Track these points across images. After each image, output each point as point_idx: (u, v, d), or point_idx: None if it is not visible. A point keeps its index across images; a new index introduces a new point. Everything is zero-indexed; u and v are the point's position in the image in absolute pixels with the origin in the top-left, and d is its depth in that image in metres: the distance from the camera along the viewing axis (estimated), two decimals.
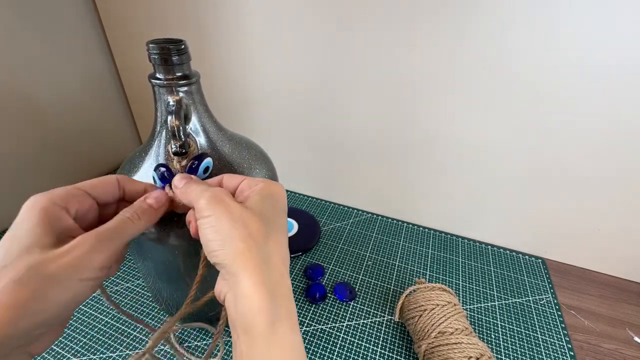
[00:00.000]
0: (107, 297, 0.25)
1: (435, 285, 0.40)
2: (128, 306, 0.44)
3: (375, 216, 0.62)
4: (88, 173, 0.68)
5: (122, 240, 0.20)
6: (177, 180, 0.24)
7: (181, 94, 0.29)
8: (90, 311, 0.43)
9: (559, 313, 0.46)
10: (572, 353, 0.41)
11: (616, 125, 0.42)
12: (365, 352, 0.40)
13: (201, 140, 0.31)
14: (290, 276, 0.49)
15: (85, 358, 0.38)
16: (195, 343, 0.40)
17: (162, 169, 0.27)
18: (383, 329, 0.43)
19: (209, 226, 0.20)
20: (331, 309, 0.45)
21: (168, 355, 0.38)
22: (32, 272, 0.15)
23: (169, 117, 0.27)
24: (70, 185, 0.20)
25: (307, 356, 0.39)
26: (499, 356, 0.40)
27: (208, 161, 0.28)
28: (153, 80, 0.28)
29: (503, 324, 0.44)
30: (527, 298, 0.48)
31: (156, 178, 0.27)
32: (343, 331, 0.42)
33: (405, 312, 0.40)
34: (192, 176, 0.25)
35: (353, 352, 0.40)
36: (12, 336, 0.15)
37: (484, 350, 0.34)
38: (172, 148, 0.27)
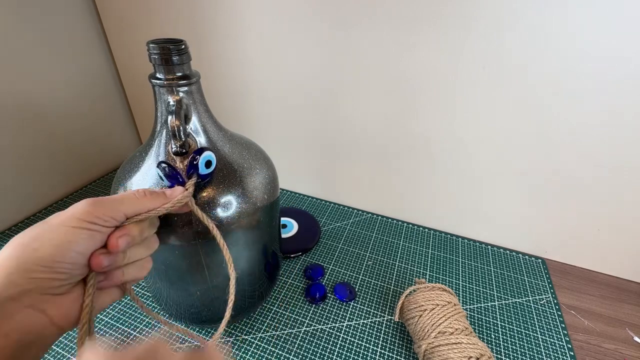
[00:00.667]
0: (133, 297, 0.26)
1: (435, 285, 0.40)
2: (128, 306, 0.44)
3: (375, 216, 0.62)
4: (88, 173, 0.68)
5: (119, 207, 0.21)
6: None
7: (181, 94, 0.29)
8: None
9: (559, 313, 0.46)
10: (572, 353, 0.41)
11: (616, 125, 0.42)
12: (365, 352, 0.40)
13: (201, 140, 0.31)
14: (290, 276, 0.49)
15: None
16: (195, 343, 0.40)
17: (164, 165, 0.27)
18: (383, 329, 0.43)
19: None
20: (331, 309, 0.45)
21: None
22: (37, 225, 0.19)
23: (169, 117, 0.27)
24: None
25: (308, 356, 0.39)
26: (499, 356, 0.40)
27: (208, 154, 0.28)
28: (153, 80, 0.28)
29: (503, 324, 0.44)
30: (527, 298, 0.48)
31: (162, 175, 0.27)
32: (343, 331, 0.42)
33: (405, 312, 0.40)
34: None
35: (353, 352, 0.40)
36: (15, 271, 0.17)
37: (484, 350, 0.34)
38: (172, 148, 0.27)
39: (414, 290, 0.41)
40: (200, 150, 0.28)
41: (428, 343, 0.35)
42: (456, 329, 0.35)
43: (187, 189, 0.26)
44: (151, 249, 0.25)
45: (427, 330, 0.36)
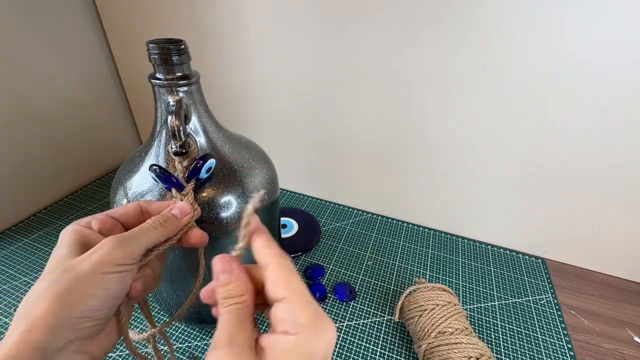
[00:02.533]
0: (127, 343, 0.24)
1: (435, 285, 0.40)
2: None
3: (375, 216, 0.62)
4: (88, 173, 0.68)
5: (141, 242, 0.21)
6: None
7: (181, 94, 0.29)
8: None
9: (559, 313, 0.46)
10: (572, 353, 0.41)
11: (616, 125, 0.42)
12: (365, 352, 0.40)
13: (201, 140, 0.31)
14: None
15: None
16: (195, 343, 0.40)
17: (155, 167, 0.27)
18: (383, 329, 0.43)
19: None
20: (331, 309, 0.45)
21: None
22: (64, 272, 0.18)
23: (169, 117, 0.27)
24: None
25: None
26: (499, 356, 0.40)
27: (212, 162, 0.29)
28: (153, 80, 0.28)
29: (503, 324, 0.44)
30: (527, 298, 0.48)
31: (155, 178, 0.27)
32: (343, 331, 0.42)
33: (405, 312, 0.40)
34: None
35: (353, 352, 0.40)
36: (57, 328, 0.17)
37: (484, 350, 0.34)
38: (172, 148, 0.27)
39: (414, 290, 0.41)
40: (205, 157, 0.28)
41: (428, 343, 0.35)
42: (456, 329, 0.35)
43: (189, 200, 0.26)
44: (163, 261, 0.25)
45: (427, 330, 0.36)
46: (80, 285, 0.18)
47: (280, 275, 0.18)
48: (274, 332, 0.17)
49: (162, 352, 0.28)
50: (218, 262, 0.19)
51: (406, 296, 0.40)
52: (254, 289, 0.19)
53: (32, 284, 0.46)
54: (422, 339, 0.36)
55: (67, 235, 0.21)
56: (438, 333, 0.35)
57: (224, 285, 0.18)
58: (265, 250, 0.19)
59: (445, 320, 0.36)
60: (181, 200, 0.26)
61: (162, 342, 0.41)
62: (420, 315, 0.37)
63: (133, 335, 0.24)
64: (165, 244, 0.23)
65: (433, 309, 0.37)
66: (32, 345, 0.16)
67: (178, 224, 0.24)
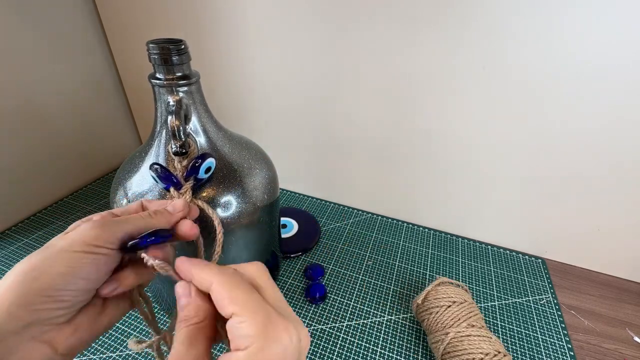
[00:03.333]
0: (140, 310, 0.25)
1: (460, 283, 0.42)
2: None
3: (375, 216, 0.62)
4: (88, 173, 0.68)
5: (122, 227, 0.20)
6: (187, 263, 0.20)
7: (181, 94, 0.29)
8: None
9: (559, 313, 0.46)
10: (572, 353, 0.41)
11: (616, 124, 0.42)
12: (365, 352, 0.40)
13: (201, 140, 0.31)
14: (290, 276, 0.49)
15: (85, 358, 0.38)
16: None
17: (156, 166, 0.27)
18: (383, 329, 0.43)
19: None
20: (331, 309, 0.45)
21: None
22: (40, 251, 0.18)
23: (169, 117, 0.27)
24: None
25: (308, 356, 0.39)
26: None
27: (210, 161, 0.28)
28: (153, 80, 0.28)
29: (503, 324, 0.44)
30: (527, 298, 0.48)
31: (155, 177, 0.27)
32: (343, 331, 0.42)
33: (430, 301, 0.40)
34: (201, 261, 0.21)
35: (353, 352, 0.40)
36: (14, 303, 0.16)
37: (505, 351, 0.35)
38: (172, 148, 0.27)
39: (439, 284, 0.41)
40: (203, 156, 0.28)
41: (457, 331, 0.36)
42: (483, 326, 0.37)
43: (185, 198, 0.26)
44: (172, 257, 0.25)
45: (459, 320, 0.37)
46: (47, 261, 0.17)
47: (222, 291, 0.17)
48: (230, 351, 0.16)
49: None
50: (178, 288, 0.19)
51: (434, 287, 0.41)
52: (214, 312, 0.18)
53: None
54: (450, 327, 0.37)
55: (69, 228, 0.21)
56: (468, 325, 0.36)
57: (182, 309, 0.19)
58: (202, 275, 0.18)
59: (475, 315, 0.37)
60: (178, 198, 0.26)
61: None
62: (450, 305, 0.38)
63: (132, 344, 0.23)
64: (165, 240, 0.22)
65: (462, 302, 0.38)
66: None
67: (169, 217, 0.23)
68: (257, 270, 0.19)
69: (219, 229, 0.27)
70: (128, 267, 0.22)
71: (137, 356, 0.38)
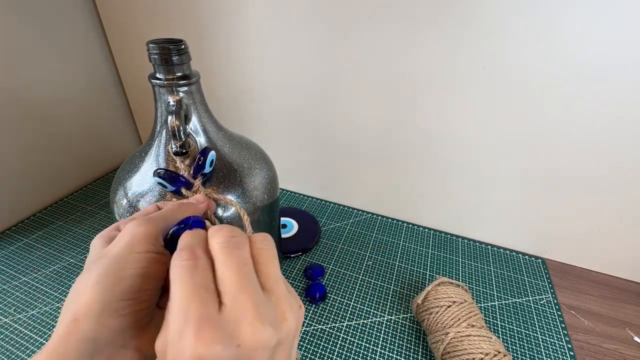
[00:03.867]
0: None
1: (460, 284, 0.42)
2: None
3: (375, 216, 0.62)
4: (88, 173, 0.68)
5: (164, 220, 0.20)
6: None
7: (181, 94, 0.29)
8: None
9: (559, 313, 0.46)
10: (572, 353, 0.41)
11: (616, 124, 0.42)
12: (365, 352, 0.40)
13: (201, 140, 0.31)
14: (290, 276, 0.49)
15: None
16: None
17: (161, 170, 0.27)
18: (383, 329, 0.43)
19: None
20: (331, 309, 0.45)
21: None
22: (98, 260, 0.18)
23: (169, 117, 0.27)
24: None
25: (308, 356, 0.39)
26: None
27: (212, 155, 0.29)
28: (153, 80, 0.28)
29: (503, 324, 0.44)
30: (527, 298, 0.48)
31: (162, 182, 0.27)
32: (343, 331, 0.42)
33: (430, 301, 0.40)
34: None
35: (353, 352, 0.40)
36: (102, 314, 0.16)
37: (505, 352, 0.35)
38: (172, 148, 0.27)
39: (439, 284, 0.41)
40: (204, 151, 0.28)
41: (457, 331, 0.36)
42: (483, 326, 0.37)
43: (200, 192, 0.27)
44: None
45: (459, 320, 0.37)
46: (114, 267, 0.17)
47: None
48: None
49: None
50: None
51: (434, 286, 0.41)
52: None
53: (32, 284, 0.46)
54: (450, 327, 0.37)
55: (96, 241, 0.20)
56: (468, 325, 0.36)
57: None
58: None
59: (475, 315, 0.37)
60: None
61: None
62: (450, 305, 0.38)
63: None
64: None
65: (462, 302, 0.38)
66: (80, 337, 0.16)
67: (196, 208, 0.24)
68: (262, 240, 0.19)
69: (242, 213, 0.26)
70: None
71: None
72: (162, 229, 0.20)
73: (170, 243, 0.20)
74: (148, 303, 0.18)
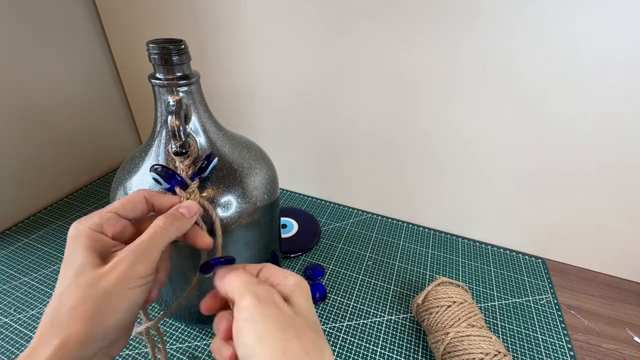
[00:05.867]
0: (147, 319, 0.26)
1: (460, 284, 0.42)
2: None
3: (375, 216, 0.62)
4: (88, 173, 0.68)
5: (158, 247, 0.21)
6: (220, 271, 0.22)
7: (181, 94, 0.29)
8: None
9: (559, 313, 0.46)
10: (572, 353, 0.41)
11: (616, 124, 0.42)
12: (365, 352, 0.40)
13: (201, 140, 0.31)
14: None
15: None
16: (195, 343, 0.40)
17: (157, 167, 0.27)
18: (383, 329, 0.43)
19: (252, 334, 0.18)
20: (331, 309, 0.45)
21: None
22: (90, 289, 0.19)
23: (169, 117, 0.27)
24: (102, 210, 0.22)
25: None
26: None
27: (215, 161, 0.29)
28: (153, 80, 0.28)
29: (503, 324, 0.44)
30: (527, 298, 0.48)
31: (157, 178, 0.27)
32: (343, 331, 0.42)
33: (430, 301, 0.40)
34: (234, 266, 0.23)
35: (353, 352, 0.40)
36: (90, 342, 0.18)
37: (505, 352, 0.35)
38: (172, 148, 0.27)
39: (439, 284, 0.41)
40: (209, 157, 0.28)
41: (457, 331, 0.36)
42: (483, 326, 0.37)
43: (195, 196, 0.26)
44: (171, 262, 0.26)
45: (459, 320, 0.37)
46: (109, 302, 0.19)
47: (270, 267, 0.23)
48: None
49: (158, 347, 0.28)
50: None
51: (435, 286, 0.41)
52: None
53: (32, 284, 0.46)
54: (450, 327, 0.37)
55: (82, 240, 0.20)
56: (468, 325, 0.36)
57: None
58: (245, 276, 0.21)
59: (475, 315, 0.37)
60: (187, 198, 0.26)
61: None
62: (450, 305, 0.38)
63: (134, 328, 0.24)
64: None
65: (462, 302, 0.38)
66: (69, 357, 0.17)
67: (187, 223, 0.24)
68: (295, 284, 0.21)
69: (218, 228, 0.27)
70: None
71: (137, 356, 0.38)
72: (156, 258, 0.21)
73: (205, 268, 0.23)
74: (130, 326, 0.21)
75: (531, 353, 0.41)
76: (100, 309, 0.18)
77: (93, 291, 0.19)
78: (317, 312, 0.44)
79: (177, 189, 0.27)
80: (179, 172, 0.28)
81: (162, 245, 0.22)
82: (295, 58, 0.52)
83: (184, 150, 0.28)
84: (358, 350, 0.40)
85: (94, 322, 0.18)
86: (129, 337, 0.22)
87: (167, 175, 0.27)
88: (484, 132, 0.48)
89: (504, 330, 0.43)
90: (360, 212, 0.63)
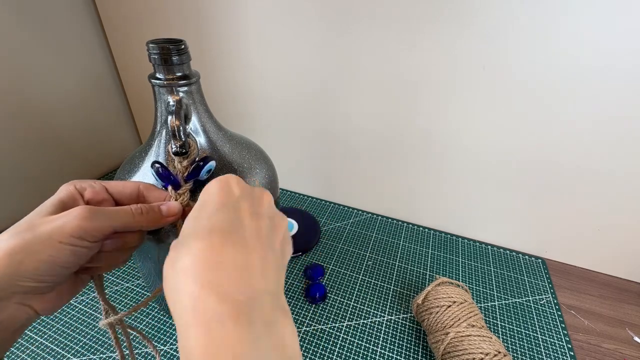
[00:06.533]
0: (99, 292, 0.25)
1: (459, 283, 0.42)
2: (128, 306, 0.44)
3: (375, 216, 0.62)
4: (88, 173, 0.68)
5: (111, 222, 0.21)
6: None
7: (181, 94, 0.29)
8: (90, 311, 0.43)
9: (559, 313, 0.46)
10: (572, 353, 0.41)
11: (616, 125, 0.42)
12: (365, 352, 0.40)
13: (201, 140, 0.31)
14: (290, 276, 0.49)
15: (85, 358, 0.38)
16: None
17: (157, 165, 0.27)
18: (383, 329, 0.43)
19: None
20: (331, 309, 0.45)
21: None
22: (27, 229, 0.19)
23: (169, 117, 0.27)
24: (97, 180, 0.23)
25: (307, 356, 0.39)
26: None
27: (212, 164, 0.29)
28: (153, 80, 0.28)
29: (503, 324, 0.44)
30: (527, 298, 0.48)
31: (155, 175, 0.27)
32: (343, 331, 0.42)
33: (430, 301, 0.40)
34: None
35: (353, 352, 0.40)
36: (1, 279, 0.18)
37: (506, 352, 0.35)
38: (172, 148, 0.27)
39: (439, 284, 0.41)
40: (205, 159, 0.28)
41: (457, 331, 0.36)
42: (483, 326, 0.37)
43: (181, 202, 0.26)
44: (141, 242, 0.25)
45: (459, 320, 0.37)
46: (32, 247, 0.18)
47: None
48: None
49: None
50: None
51: (435, 286, 0.41)
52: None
53: None
54: (450, 327, 0.37)
55: (59, 193, 0.22)
56: (468, 325, 0.36)
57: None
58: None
59: (475, 315, 0.37)
60: (176, 199, 0.26)
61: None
62: (450, 305, 0.38)
63: (101, 322, 0.24)
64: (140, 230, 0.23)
65: (462, 302, 0.38)
66: None
67: (159, 219, 0.24)
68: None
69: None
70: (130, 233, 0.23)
71: (136, 357, 0.38)
72: (107, 230, 0.21)
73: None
74: (50, 283, 0.20)
75: (531, 353, 0.41)
76: (22, 249, 0.18)
77: (25, 233, 0.19)
78: (317, 312, 0.44)
79: (169, 189, 0.27)
80: (176, 173, 0.28)
81: (117, 224, 0.21)
82: (296, 58, 0.52)
83: (184, 151, 0.28)
84: (358, 350, 0.40)
85: (11, 259, 0.18)
86: (60, 302, 0.21)
87: (162, 174, 0.27)
88: (484, 132, 0.48)
89: (504, 330, 0.43)
90: (360, 212, 0.63)
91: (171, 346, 0.40)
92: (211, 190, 0.20)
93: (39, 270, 0.19)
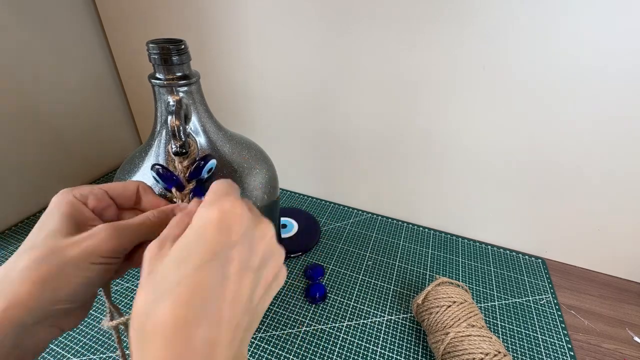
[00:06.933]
0: (108, 298, 0.25)
1: (459, 283, 0.42)
2: (128, 306, 0.44)
3: (375, 216, 0.62)
4: (88, 173, 0.68)
5: (135, 236, 0.21)
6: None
7: (181, 94, 0.29)
8: (90, 311, 0.43)
9: (559, 313, 0.46)
10: (572, 353, 0.41)
11: (616, 125, 0.42)
12: (365, 352, 0.40)
13: (201, 140, 0.31)
14: (290, 276, 0.49)
15: (85, 358, 0.38)
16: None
17: (158, 167, 0.27)
18: (383, 329, 0.43)
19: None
20: (331, 309, 0.45)
21: None
22: (52, 254, 0.18)
23: (169, 117, 0.27)
24: (94, 185, 0.22)
25: (308, 356, 0.39)
26: None
27: (212, 163, 0.29)
28: (153, 80, 0.28)
29: (503, 324, 0.44)
30: (527, 298, 0.48)
31: (156, 177, 0.27)
32: (343, 331, 0.42)
33: (430, 301, 0.40)
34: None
35: (353, 352, 0.40)
36: (37, 307, 0.17)
37: (505, 352, 0.35)
38: (172, 148, 0.27)
39: (439, 284, 0.41)
40: (206, 158, 0.28)
41: (457, 331, 0.36)
42: (483, 326, 0.37)
43: (187, 200, 0.26)
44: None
45: (459, 320, 0.37)
46: (66, 271, 0.18)
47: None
48: None
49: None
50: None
51: (435, 286, 0.41)
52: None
53: None
54: (450, 327, 0.37)
55: (62, 206, 0.20)
56: (468, 325, 0.36)
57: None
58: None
59: (475, 315, 0.37)
60: (182, 200, 0.26)
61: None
62: (450, 305, 0.38)
63: (104, 322, 0.24)
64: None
65: (462, 302, 0.38)
66: (10, 322, 0.17)
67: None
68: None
69: None
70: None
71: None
72: (132, 244, 0.21)
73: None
74: (84, 302, 0.20)
75: (531, 353, 0.41)
76: (56, 276, 0.18)
77: (53, 257, 0.18)
78: (317, 312, 0.44)
79: (174, 190, 0.27)
80: (177, 173, 0.28)
81: (141, 237, 0.21)
82: (296, 58, 0.52)
83: (184, 151, 0.28)
84: (358, 350, 0.40)
85: (45, 287, 0.17)
86: (84, 315, 0.21)
87: (165, 176, 0.27)
88: (484, 132, 0.48)
89: (504, 330, 0.43)
90: (360, 212, 0.63)
91: None
92: (210, 217, 0.17)
93: (77, 292, 0.19)
